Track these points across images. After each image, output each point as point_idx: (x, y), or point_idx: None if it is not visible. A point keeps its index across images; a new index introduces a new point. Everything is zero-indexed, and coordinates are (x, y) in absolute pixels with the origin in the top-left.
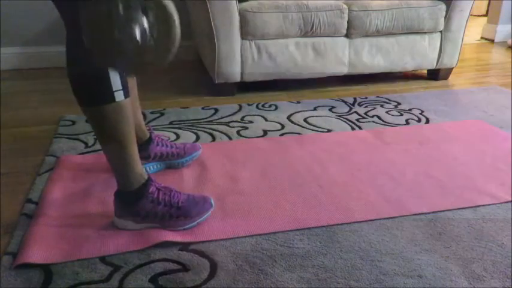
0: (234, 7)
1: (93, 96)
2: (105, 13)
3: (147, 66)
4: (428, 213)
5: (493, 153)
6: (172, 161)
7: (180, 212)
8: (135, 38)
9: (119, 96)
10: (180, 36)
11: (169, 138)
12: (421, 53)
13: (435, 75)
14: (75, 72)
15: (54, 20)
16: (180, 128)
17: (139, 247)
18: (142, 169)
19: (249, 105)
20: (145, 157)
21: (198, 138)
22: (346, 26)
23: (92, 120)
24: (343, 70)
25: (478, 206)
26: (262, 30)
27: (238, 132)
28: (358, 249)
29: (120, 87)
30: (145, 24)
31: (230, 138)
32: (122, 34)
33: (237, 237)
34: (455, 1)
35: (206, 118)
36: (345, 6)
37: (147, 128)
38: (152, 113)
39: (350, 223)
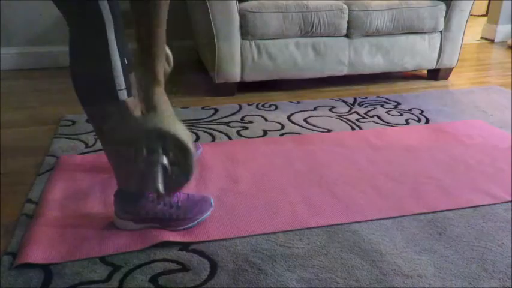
0: (234, 7)
1: (96, 95)
2: (130, 158)
3: (167, 193)
4: (428, 213)
5: (493, 153)
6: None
7: (180, 212)
8: (157, 182)
9: (122, 95)
10: (196, 165)
11: None
12: (421, 53)
13: (435, 75)
14: (78, 71)
15: (55, 20)
16: None
17: (139, 247)
18: None
19: (249, 105)
20: None
21: (198, 138)
22: (346, 26)
23: (94, 119)
24: (343, 70)
25: (478, 206)
26: (262, 30)
27: (238, 132)
28: (358, 249)
29: (124, 87)
30: (166, 163)
31: (230, 138)
32: (145, 176)
33: (237, 237)
34: (455, 1)
35: (206, 118)
36: (345, 6)
37: None
38: None
39: (350, 223)
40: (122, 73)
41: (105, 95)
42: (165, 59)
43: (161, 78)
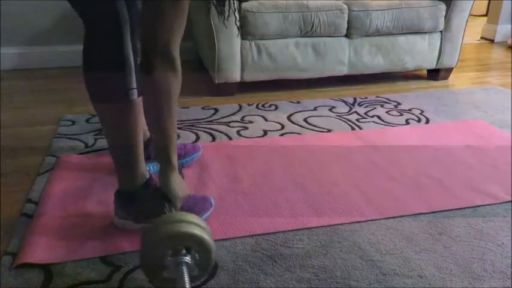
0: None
1: (108, 93)
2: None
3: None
4: (428, 213)
5: (493, 153)
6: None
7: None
8: (185, 283)
9: (133, 94)
10: (214, 258)
11: None
12: (421, 53)
13: (435, 75)
14: (92, 69)
15: (55, 19)
16: (180, 128)
17: (139, 247)
18: (145, 169)
19: (249, 105)
20: (145, 157)
21: (198, 138)
22: (346, 26)
23: (103, 117)
24: (343, 70)
25: (478, 206)
26: (262, 30)
27: (238, 132)
28: (358, 249)
29: (135, 86)
30: (190, 260)
31: (230, 138)
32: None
33: (237, 237)
34: (455, 1)
35: (206, 118)
36: (345, 6)
37: (148, 128)
38: None
39: (350, 223)
40: (134, 72)
41: (117, 94)
42: None
43: (175, 162)
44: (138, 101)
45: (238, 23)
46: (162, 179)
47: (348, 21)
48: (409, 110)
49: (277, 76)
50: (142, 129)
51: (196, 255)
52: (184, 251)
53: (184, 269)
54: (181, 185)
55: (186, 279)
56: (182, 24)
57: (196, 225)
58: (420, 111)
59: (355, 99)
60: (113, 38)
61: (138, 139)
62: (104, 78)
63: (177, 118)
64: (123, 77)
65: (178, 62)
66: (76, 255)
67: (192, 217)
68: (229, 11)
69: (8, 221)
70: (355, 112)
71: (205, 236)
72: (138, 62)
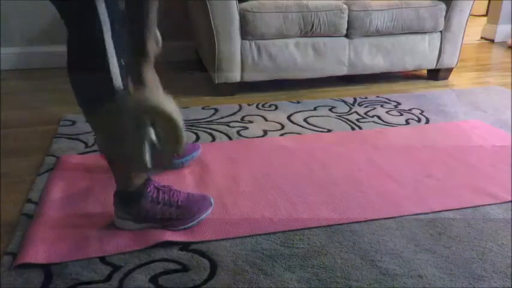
0: (234, 7)
1: (95, 95)
2: (117, 129)
3: (156, 168)
4: (428, 213)
5: (493, 153)
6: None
7: (179, 211)
8: (145, 158)
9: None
10: (185, 141)
11: None
12: (421, 53)
13: (435, 75)
14: (76, 72)
15: (54, 20)
16: None
17: (139, 247)
18: None
19: (249, 105)
20: None
21: (198, 138)
22: (346, 26)
23: (92, 120)
24: (343, 70)
25: (478, 206)
26: (262, 30)
27: (238, 132)
28: (358, 249)
29: (121, 87)
30: (154, 138)
31: (230, 138)
32: (131, 150)
33: (237, 237)
34: (455, 1)
35: (206, 118)
36: (345, 6)
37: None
38: None
39: (350, 223)
40: (118, 74)
41: (103, 96)
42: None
43: (151, 54)
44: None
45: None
46: (136, 67)
47: (348, 21)
48: (409, 110)
49: (277, 76)
50: None
51: (162, 133)
52: (148, 125)
53: (147, 145)
54: (155, 76)
55: (148, 155)
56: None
57: (162, 101)
58: (420, 111)
59: (355, 99)
60: (93, 40)
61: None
62: (87, 80)
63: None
64: (107, 78)
65: None
66: (76, 255)
67: (165, 96)
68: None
69: (8, 221)
70: (355, 112)
71: (170, 111)
72: (123, 63)
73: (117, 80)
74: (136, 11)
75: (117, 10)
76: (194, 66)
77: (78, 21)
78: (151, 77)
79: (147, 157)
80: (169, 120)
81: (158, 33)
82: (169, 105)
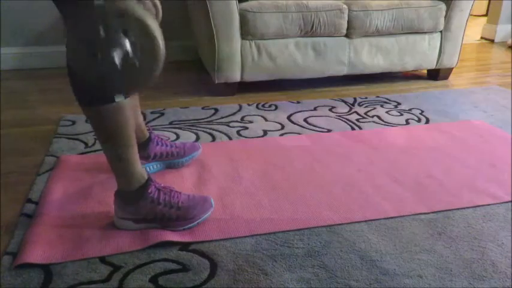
0: (234, 7)
1: (93, 96)
2: (86, 36)
3: (134, 87)
4: (428, 213)
5: (493, 153)
6: (172, 160)
7: (180, 212)
8: (115, 62)
9: (119, 96)
10: (164, 54)
11: (169, 138)
12: (421, 53)
13: (435, 75)
14: (76, 72)
15: (54, 20)
16: (180, 128)
17: (139, 247)
18: (142, 169)
19: (249, 105)
20: (145, 157)
21: (198, 138)
22: (346, 26)
23: (92, 120)
24: (343, 70)
25: (478, 206)
26: (262, 30)
27: (238, 132)
28: (358, 249)
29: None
30: (128, 46)
31: (230, 138)
32: (102, 58)
33: (237, 237)
34: (455, 1)
35: (206, 118)
36: (345, 6)
37: (147, 128)
38: (152, 113)
39: (350, 223)
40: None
41: (102, 96)
42: (154, 7)
43: None
44: (127, 101)
45: None
46: None
47: (348, 21)
48: (409, 110)
49: (277, 76)
50: (140, 129)
51: (137, 42)
52: (120, 32)
53: (117, 52)
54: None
55: (118, 54)
56: None
57: (138, 8)
58: (420, 111)
59: (355, 99)
60: (93, 39)
61: (129, 140)
62: (87, 80)
63: None
64: (107, 79)
65: None
66: (76, 255)
67: (137, 4)
68: None
69: (8, 221)
70: (355, 112)
71: (146, 19)
72: None
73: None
74: None
75: None
76: (194, 66)
77: (79, 20)
78: None
79: (116, 61)
80: (143, 26)
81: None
82: (147, 15)
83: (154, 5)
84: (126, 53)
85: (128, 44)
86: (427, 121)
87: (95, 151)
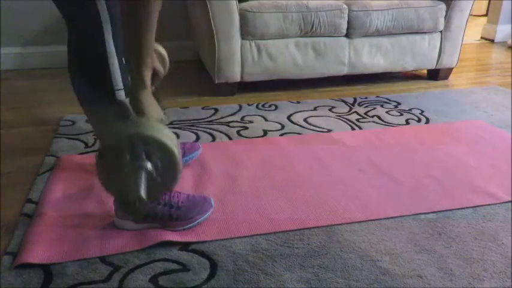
0: (234, 7)
1: (94, 95)
2: (114, 165)
3: (155, 195)
4: (428, 213)
5: (493, 153)
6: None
7: (180, 212)
8: (140, 189)
9: (120, 95)
10: (181, 168)
11: None
12: (421, 53)
13: (435, 75)
14: (77, 72)
15: (54, 20)
16: (180, 128)
17: (139, 247)
18: None
19: (249, 105)
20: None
21: (198, 138)
22: (346, 26)
23: (93, 118)
24: (343, 70)
25: (478, 206)
26: (262, 30)
27: (238, 132)
28: (358, 249)
29: (122, 87)
30: (150, 167)
31: (230, 138)
32: (128, 184)
33: (237, 237)
34: (455, 1)
35: (206, 118)
36: (345, 6)
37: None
38: None
39: (350, 223)
40: (119, 73)
41: (103, 96)
42: (161, 61)
43: (148, 81)
44: (127, 101)
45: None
46: (131, 93)
47: (348, 21)
48: (409, 110)
49: (277, 76)
50: None
51: (159, 163)
52: (143, 156)
53: (142, 173)
54: (153, 104)
55: (143, 186)
56: None
57: (160, 132)
58: (420, 111)
59: (355, 99)
60: (94, 40)
61: None
62: (88, 80)
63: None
64: (107, 78)
65: None
66: (76, 255)
67: (159, 125)
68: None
69: (8, 221)
70: (355, 112)
71: (166, 141)
72: (124, 62)
73: (117, 80)
74: (132, 40)
75: (117, 8)
76: (194, 66)
77: (79, 20)
78: (148, 103)
79: (142, 189)
80: (167, 152)
81: (163, 51)
82: (166, 135)
83: (160, 55)
84: (149, 173)
85: (150, 166)
86: (427, 121)
87: (94, 151)
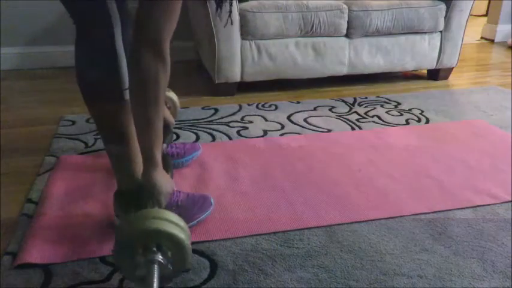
0: (234, 7)
1: (103, 93)
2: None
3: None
4: (428, 213)
5: (493, 153)
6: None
7: (179, 211)
8: (153, 284)
9: (127, 95)
10: (191, 261)
11: None
12: (421, 53)
13: (435, 75)
14: (84, 70)
15: (54, 20)
16: (180, 128)
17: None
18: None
19: (249, 105)
20: None
21: (198, 138)
22: (346, 26)
23: (98, 117)
24: (343, 70)
25: (478, 206)
26: (262, 30)
27: (238, 132)
28: (358, 249)
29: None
30: (161, 259)
31: (230, 138)
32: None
33: (237, 237)
34: (455, 1)
35: (206, 118)
36: (345, 6)
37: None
38: None
39: (350, 223)
40: (127, 73)
41: (111, 94)
42: (172, 105)
43: (159, 160)
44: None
45: (230, 19)
46: (144, 175)
47: (348, 21)
48: (409, 110)
49: (277, 76)
50: None
51: (169, 253)
52: (154, 249)
53: (154, 268)
54: (165, 181)
55: (154, 279)
56: (174, 18)
57: (168, 222)
58: (420, 111)
59: (355, 99)
60: (103, 38)
61: (133, 140)
62: (96, 78)
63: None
64: (116, 77)
65: (167, 54)
66: (76, 255)
67: (166, 214)
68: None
69: (8, 221)
70: (355, 112)
71: (176, 232)
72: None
73: (125, 80)
74: (140, 119)
75: (125, 7)
76: (194, 66)
77: (88, 18)
78: (160, 182)
79: (155, 283)
80: (178, 245)
81: (174, 97)
82: (176, 227)
83: (172, 101)
84: (160, 264)
85: (161, 257)
86: (427, 121)
87: (95, 151)
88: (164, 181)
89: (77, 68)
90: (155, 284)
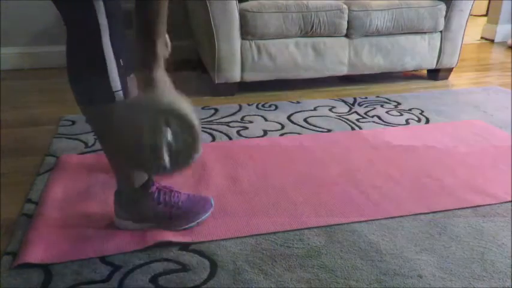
0: (234, 7)
1: (93, 95)
2: (133, 128)
3: (173, 170)
4: (428, 213)
5: (493, 153)
6: None
7: (180, 212)
8: (164, 160)
9: (119, 96)
10: (201, 144)
11: None
12: (421, 53)
13: (435, 75)
14: (75, 72)
15: (54, 20)
16: None
17: (139, 247)
18: None
19: (249, 105)
20: None
21: None
22: (346, 26)
23: (92, 120)
24: (343, 70)
25: (478, 206)
26: (262, 30)
27: (238, 132)
28: (358, 249)
29: (120, 88)
30: (170, 139)
31: (230, 138)
32: (151, 156)
33: (237, 237)
34: (455, 1)
35: (206, 118)
36: (345, 6)
37: None
38: None
39: (350, 223)
40: (117, 75)
41: (102, 97)
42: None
43: (161, 56)
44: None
45: None
46: (146, 73)
47: (348, 21)
48: (409, 110)
49: (277, 76)
50: None
51: (179, 134)
52: (165, 128)
53: (165, 147)
54: (166, 79)
55: (166, 156)
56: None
57: (175, 101)
58: (420, 111)
59: (355, 99)
60: (90, 41)
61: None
62: (86, 80)
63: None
64: (105, 79)
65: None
66: (76, 255)
67: (172, 94)
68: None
69: (8, 221)
70: (355, 112)
71: (188, 113)
72: (122, 63)
73: (115, 82)
74: (146, 11)
75: (117, 9)
76: (194, 66)
77: (77, 21)
78: (162, 78)
79: (166, 160)
80: (184, 120)
81: (167, 36)
82: (183, 104)
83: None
84: (168, 143)
85: (169, 135)
86: (427, 121)
87: (94, 151)
88: (164, 79)
89: (68, 70)
90: (166, 159)
